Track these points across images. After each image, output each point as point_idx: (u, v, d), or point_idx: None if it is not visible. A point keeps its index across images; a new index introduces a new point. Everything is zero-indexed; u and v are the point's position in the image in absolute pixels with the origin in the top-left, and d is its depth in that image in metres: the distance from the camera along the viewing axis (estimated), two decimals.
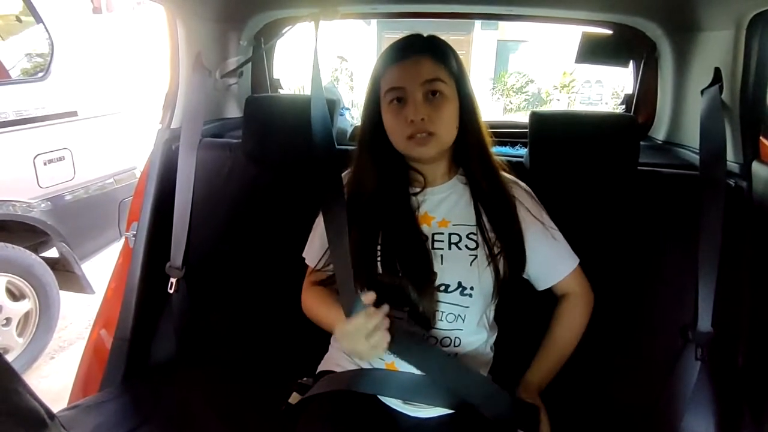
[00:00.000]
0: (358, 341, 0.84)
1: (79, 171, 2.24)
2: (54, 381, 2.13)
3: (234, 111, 1.58)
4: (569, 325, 1.01)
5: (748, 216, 1.08)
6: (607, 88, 12.38)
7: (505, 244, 0.94)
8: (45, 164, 2.10)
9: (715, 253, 1.04)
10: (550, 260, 1.00)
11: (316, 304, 1.01)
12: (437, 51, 0.93)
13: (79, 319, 2.60)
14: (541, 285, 1.02)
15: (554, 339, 1.01)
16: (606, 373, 1.11)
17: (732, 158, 1.14)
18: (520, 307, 1.04)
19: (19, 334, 2.14)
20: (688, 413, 1.05)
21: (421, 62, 0.91)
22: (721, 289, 1.04)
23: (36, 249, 2.20)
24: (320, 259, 1.01)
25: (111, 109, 2.42)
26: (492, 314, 1.00)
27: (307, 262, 1.06)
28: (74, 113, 2.22)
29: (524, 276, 1.00)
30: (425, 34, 0.97)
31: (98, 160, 2.36)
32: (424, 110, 0.89)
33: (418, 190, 0.98)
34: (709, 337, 1.04)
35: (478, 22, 11.28)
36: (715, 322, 1.04)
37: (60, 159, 2.16)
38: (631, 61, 1.59)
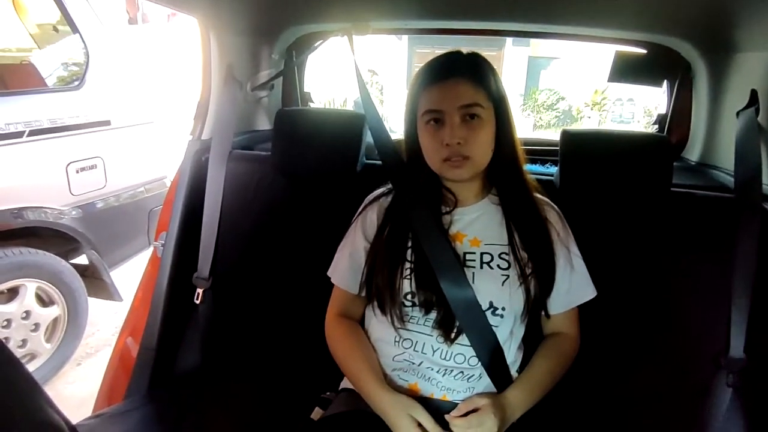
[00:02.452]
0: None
1: (111, 179, 2.29)
2: (80, 387, 2.16)
3: (264, 123, 1.61)
4: (558, 353, 0.98)
5: None
6: (639, 107, 12.23)
7: (536, 265, 0.92)
8: (77, 172, 2.15)
9: (749, 278, 1.01)
10: (572, 284, 0.98)
11: (347, 353, 0.97)
12: (477, 72, 0.92)
13: (107, 326, 2.64)
14: (555, 309, 0.99)
15: (541, 364, 0.96)
16: (635, 401, 1.07)
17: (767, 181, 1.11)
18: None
19: (47, 340, 2.17)
20: None
21: (460, 85, 0.90)
22: (754, 315, 1.00)
23: (66, 256, 2.24)
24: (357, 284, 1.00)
25: (143, 119, 2.47)
26: (521, 335, 0.98)
27: (334, 281, 1.04)
28: (107, 122, 2.27)
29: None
30: (465, 51, 0.96)
31: (129, 169, 2.41)
32: (461, 133, 0.89)
33: (449, 209, 0.97)
34: (742, 363, 1.00)
35: (509, 38, 11.35)
36: (747, 348, 1.01)
37: (92, 167, 2.20)
38: (665, 81, 1.56)
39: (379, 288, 0.94)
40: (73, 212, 2.14)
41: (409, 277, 0.93)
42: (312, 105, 1.81)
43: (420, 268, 0.92)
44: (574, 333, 1.01)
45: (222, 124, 1.34)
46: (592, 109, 12.67)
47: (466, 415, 0.86)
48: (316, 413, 1.03)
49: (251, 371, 1.23)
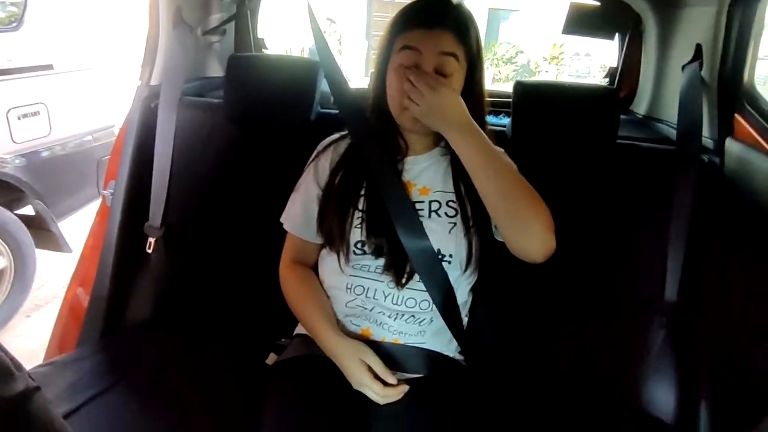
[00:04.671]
0: (356, 377, 0.88)
1: (56, 127, 2.18)
2: (29, 340, 2.12)
3: (216, 70, 1.54)
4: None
5: (720, 191, 1.11)
6: (596, 62, 12.35)
7: (479, 214, 0.94)
8: (19, 119, 2.03)
9: (685, 226, 1.07)
10: None
11: (300, 300, 0.99)
12: (461, 27, 0.90)
13: (57, 278, 2.57)
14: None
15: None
16: (573, 340, 1.14)
17: (707, 134, 1.17)
18: (499, 276, 1.05)
19: None
20: (649, 380, 1.10)
21: (443, 36, 0.89)
22: (688, 262, 1.07)
23: (10, 206, 2.14)
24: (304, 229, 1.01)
25: (88, 64, 2.34)
26: (473, 280, 1.02)
27: (287, 228, 1.04)
28: (49, 66, 2.14)
29: (499, 239, 1.01)
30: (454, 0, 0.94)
31: (75, 117, 2.29)
32: None
33: (400, 157, 0.98)
34: (674, 306, 1.08)
35: None
36: (681, 293, 1.08)
37: (35, 114, 2.09)
38: (617, 34, 1.59)
39: (330, 234, 0.96)
40: (17, 161, 2.04)
41: (359, 226, 0.94)
42: (266, 52, 1.75)
43: (372, 215, 0.93)
44: None
45: (171, 69, 1.28)
46: (549, 63, 12.72)
47: None
48: (271, 358, 1.04)
49: (205, 319, 1.24)
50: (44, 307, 2.38)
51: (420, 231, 0.91)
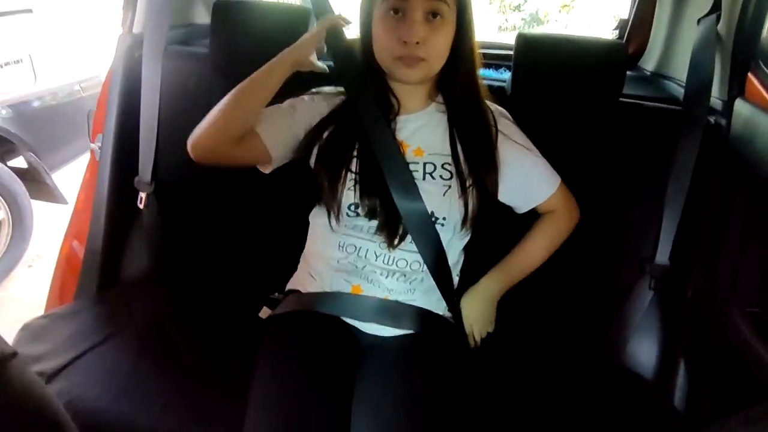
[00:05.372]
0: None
1: (41, 76, 2.12)
2: (33, 289, 2.13)
3: (203, 16, 1.47)
4: (543, 237, 1.03)
5: (723, 155, 1.08)
6: (609, 12, 11.85)
7: (477, 177, 0.92)
8: (1, 67, 1.97)
9: (683, 189, 1.05)
10: (531, 182, 1.00)
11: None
12: None
13: (58, 228, 2.58)
14: (523, 208, 1.02)
15: (524, 248, 1.03)
16: (562, 296, 1.14)
17: (717, 94, 1.12)
18: (492, 236, 1.04)
19: None
20: (633, 339, 1.11)
21: None
22: (683, 225, 1.06)
23: (2, 158, 2.12)
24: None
25: (70, 9, 2.24)
26: (465, 241, 1.01)
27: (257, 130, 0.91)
28: (29, 11, 2.05)
29: (504, 201, 1.00)
30: None
31: (61, 66, 2.22)
32: (421, 32, 0.83)
33: (392, 115, 0.94)
34: (664, 269, 1.08)
35: None
36: (673, 256, 1.07)
37: (17, 62, 2.02)
38: None
39: (321, 193, 0.93)
40: (3, 111, 2.00)
41: (353, 188, 0.91)
42: None
43: (366, 177, 0.91)
44: (565, 209, 1.03)
45: (154, 15, 1.21)
46: (560, 12, 12.19)
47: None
48: (264, 312, 1.05)
49: (199, 274, 1.24)
50: (45, 258, 2.39)
51: (415, 193, 0.89)
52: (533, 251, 1.03)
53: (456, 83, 0.93)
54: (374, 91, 0.93)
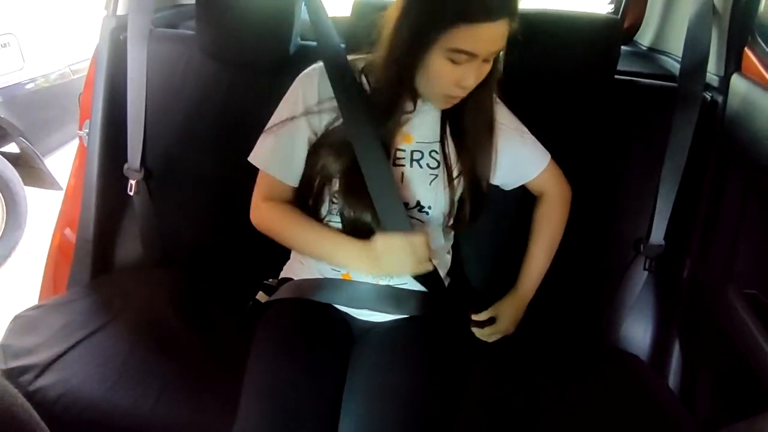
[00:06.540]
0: (404, 256, 0.83)
1: (29, 59, 2.07)
2: (32, 275, 2.14)
3: None
4: (550, 228, 1.03)
5: (718, 133, 1.06)
6: None
7: (466, 166, 0.91)
8: None
9: (679, 168, 1.04)
10: (520, 162, 0.98)
11: (289, 223, 0.93)
12: (516, 9, 0.78)
13: (52, 215, 2.57)
14: (511, 185, 1.02)
15: (539, 245, 1.03)
16: (557, 277, 1.13)
17: (713, 70, 1.09)
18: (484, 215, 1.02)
19: None
20: (628, 320, 1.11)
21: (501, 27, 0.77)
22: (679, 205, 1.05)
23: None
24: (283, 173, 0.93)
25: None
26: (450, 243, 1.01)
27: (260, 165, 0.94)
28: None
29: (492, 183, 0.99)
30: None
31: (49, 48, 2.18)
32: (480, 78, 0.82)
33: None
34: (660, 249, 1.07)
35: None
36: (667, 236, 1.07)
37: (4, 45, 1.98)
38: None
39: (305, 204, 0.93)
40: None
41: (335, 212, 0.91)
42: None
43: (350, 182, 0.88)
44: (556, 190, 1.02)
45: None
46: None
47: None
48: (261, 297, 1.04)
49: (192, 260, 1.24)
50: (43, 245, 2.39)
51: (395, 198, 0.86)
52: (546, 246, 1.03)
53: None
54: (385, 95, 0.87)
